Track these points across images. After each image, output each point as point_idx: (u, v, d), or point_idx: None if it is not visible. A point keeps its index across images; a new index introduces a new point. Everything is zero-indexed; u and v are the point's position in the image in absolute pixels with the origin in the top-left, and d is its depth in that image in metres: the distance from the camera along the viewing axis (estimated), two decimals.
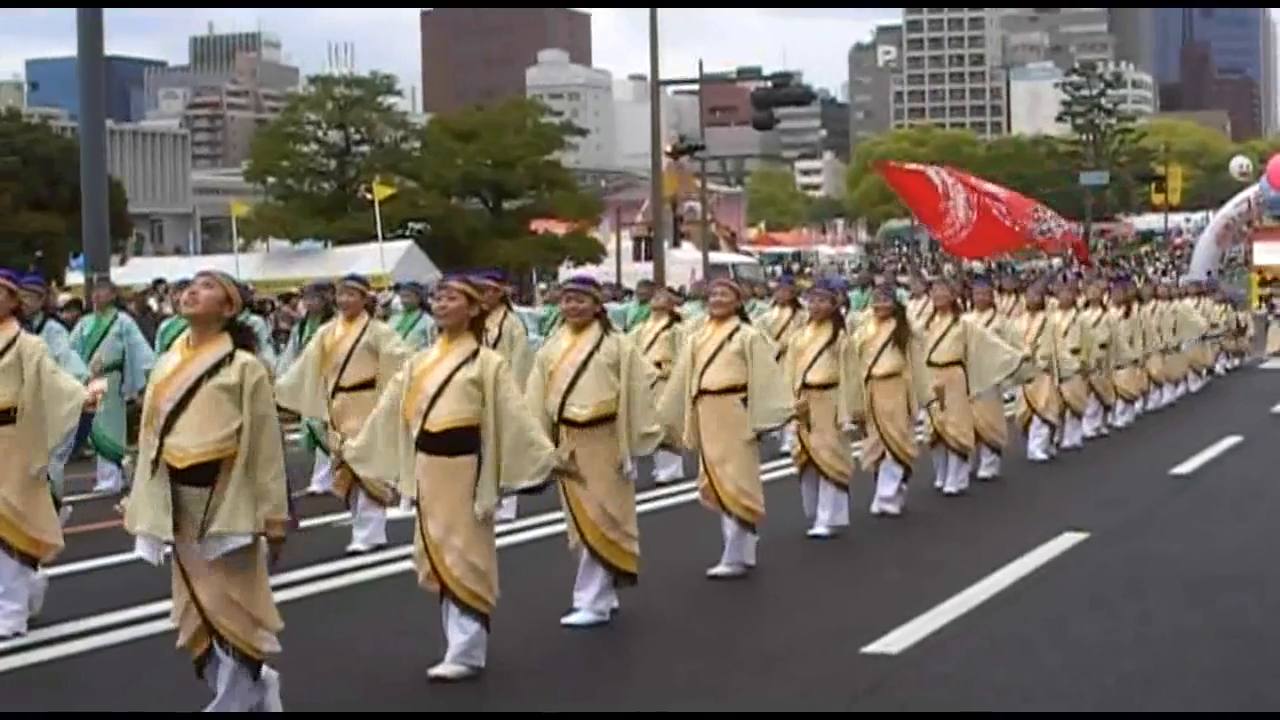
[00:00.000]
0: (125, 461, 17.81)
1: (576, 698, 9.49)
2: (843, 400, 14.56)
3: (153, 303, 29.19)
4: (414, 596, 10.13)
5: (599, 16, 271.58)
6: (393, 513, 12.54)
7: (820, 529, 14.74)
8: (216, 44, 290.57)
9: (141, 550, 8.25)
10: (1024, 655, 10.39)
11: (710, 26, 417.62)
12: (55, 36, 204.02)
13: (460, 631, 9.54)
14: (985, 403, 18.18)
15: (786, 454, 17.87)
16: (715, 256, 60.31)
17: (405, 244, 53.88)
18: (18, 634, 10.55)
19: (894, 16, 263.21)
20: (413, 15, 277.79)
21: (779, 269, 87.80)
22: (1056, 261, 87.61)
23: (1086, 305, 23.38)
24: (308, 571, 12.70)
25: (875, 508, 15.99)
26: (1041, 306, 21.62)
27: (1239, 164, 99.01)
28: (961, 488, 17.56)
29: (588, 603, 11.03)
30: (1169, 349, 27.50)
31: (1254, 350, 38.26)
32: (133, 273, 45.72)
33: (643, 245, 61.72)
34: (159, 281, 31.10)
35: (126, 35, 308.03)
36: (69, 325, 17.46)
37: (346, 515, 14.29)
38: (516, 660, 9.97)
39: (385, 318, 18.57)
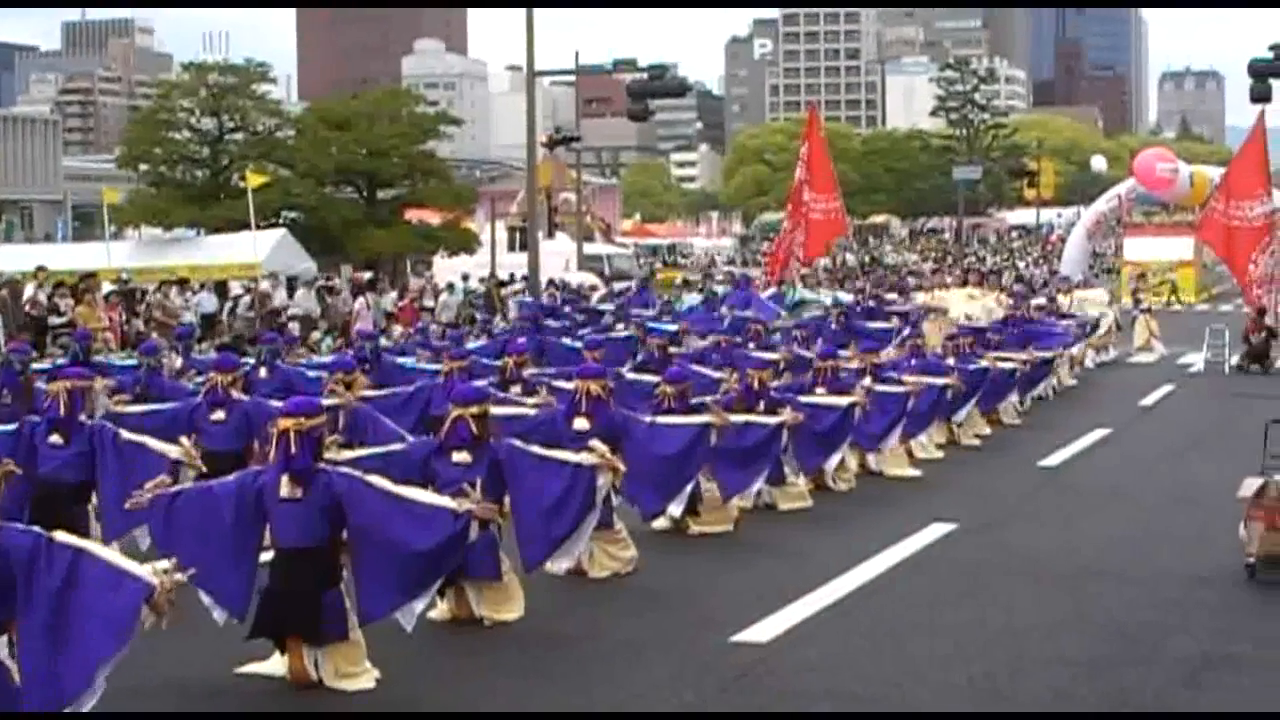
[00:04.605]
0: None
1: (439, 693, 9.49)
2: None
3: (30, 289, 28.63)
4: None
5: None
6: None
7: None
8: (89, 30, 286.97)
9: None
10: (892, 644, 10.49)
11: (587, 17, 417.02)
12: None
13: None
14: None
15: None
16: (590, 247, 60.37)
17: (279, 232, 53.22)
18: None
19: (770, 12, 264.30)
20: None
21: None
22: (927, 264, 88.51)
23: None
24: None
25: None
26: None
27: (1098, 161, 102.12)
28: None
29: None
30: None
31: (1122, 344, 38.62)
32: (1, 259, 44.91)
33: (517, 236, 61.56)
34: (40, 268, 30.37)
35: None
36: None
37: None
38: (381, 661, 9.87)
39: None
